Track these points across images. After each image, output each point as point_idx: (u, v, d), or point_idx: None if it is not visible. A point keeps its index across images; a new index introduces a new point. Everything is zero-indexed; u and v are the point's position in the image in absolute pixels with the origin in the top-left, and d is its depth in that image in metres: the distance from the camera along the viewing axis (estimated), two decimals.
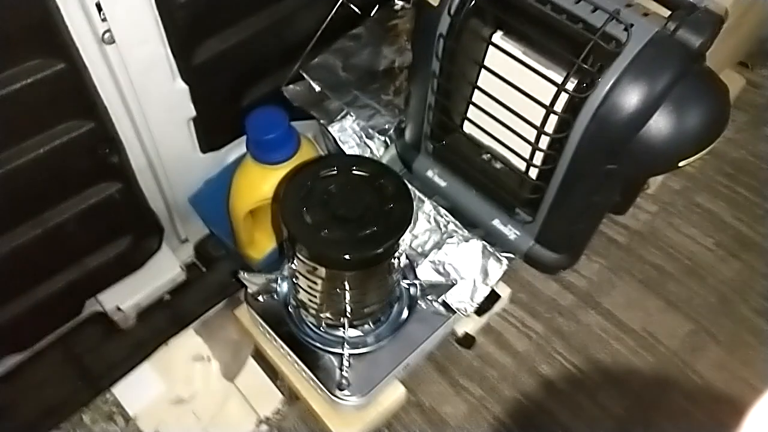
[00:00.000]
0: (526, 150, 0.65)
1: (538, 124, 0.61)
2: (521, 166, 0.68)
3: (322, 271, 0.59)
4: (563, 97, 0.57)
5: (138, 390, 0.76)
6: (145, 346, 0.82)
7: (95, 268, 0.86)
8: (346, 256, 0.56)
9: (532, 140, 0.63)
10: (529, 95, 0.60)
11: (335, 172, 0.60)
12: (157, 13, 0.64)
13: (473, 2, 0.60)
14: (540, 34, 0.59)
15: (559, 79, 0.57)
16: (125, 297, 0.96)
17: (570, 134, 0.58)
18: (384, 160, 0.81)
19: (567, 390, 0.76)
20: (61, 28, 0.59)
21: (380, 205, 0.58)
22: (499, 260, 0.71)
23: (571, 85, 0.56)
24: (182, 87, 0.74)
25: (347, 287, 0.61)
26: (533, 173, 0.67)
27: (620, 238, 0.90)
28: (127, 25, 0.63)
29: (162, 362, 0.78)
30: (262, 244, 0.86)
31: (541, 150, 0.63)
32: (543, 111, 0.59)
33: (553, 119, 0.59)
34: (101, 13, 0.60)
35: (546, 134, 0.60)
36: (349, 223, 0.57)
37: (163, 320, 1.00)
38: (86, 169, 0.75)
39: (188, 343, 0.79)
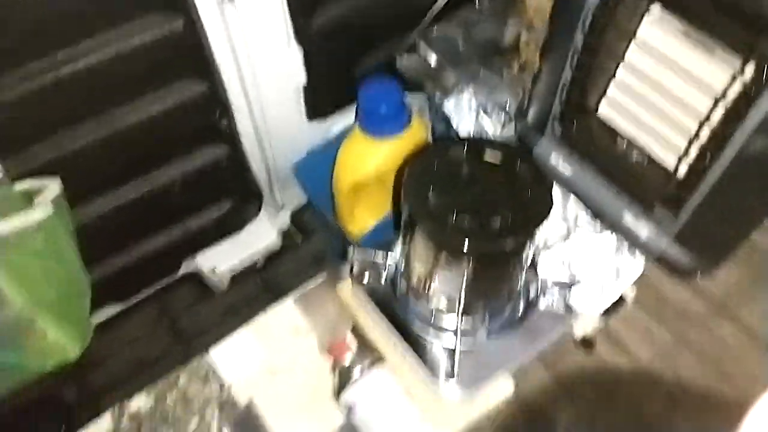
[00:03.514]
0: (678, 141, 0.57)
1: (700, 111, 0.53)
2: (669, 159, 0.60)
3: (442, 259, 0.54)
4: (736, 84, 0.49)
5: (234, 357, 0.74)
6: (237, 311, 0.81)
7: (196, 228, 0.86)
8: (473, 247, 0.51)
9: (690, 130, 0.54)
10: (693, 79, 0.51)
11: (466, 154, 0.54)
12: None
13: None
14: (707, 9, 0.50)
15: (731, 64, 0.48)
16: (221, 260, 0.96)
17: (741, 127, 0.50)
18: None
19: (693, 405, 0.69)
20: None
21: (515, 193, 0.52)
22: (635, 259, 0.64)
23: (749, 70, 0.48)
24: (296, 52, 0.71)
25: (467, 277, 0.56)
26: (683, 168, 0.59)
27: (764, 243, 0.80)
28: None
29: (260, 331, 0.76)
30: (363, 220, 0.83)
31: (699, 144, 0.55)
32: (705, 98, 0.51)
33: (719, 109, 0.51)
34: None
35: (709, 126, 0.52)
36: (478, 211, 0.51)
37: (256, 287, 0.99)
38: (196, 131, 0.74)
39: (287, 314, 0.77)
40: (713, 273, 0.76)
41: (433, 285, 0.60)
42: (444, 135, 0.77)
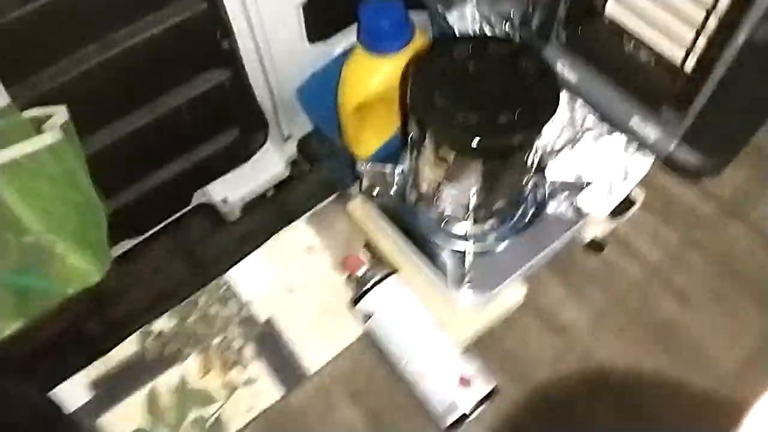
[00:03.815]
0: (685, 33, 0.56)
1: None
2: (677, 53, 0.59)
3: (450, 160, 0.55)
4: None
5: (251, 277, 0.76)
6: (252, 239, 0.82)
7: (204, 158, 0.86)
8: (482, 143, 0.51)
9: (697, 21, 0.54)
10: None
11: (470, 52, 0.54)
12: None
13: None
14: None
15: None
16: (231, 190, 0.97)
17: (748, 14, 0.49)
18: None
19: (704, 305, 0.70)
20: None
21: (521, 88, 0.52)
22: (643, 157, 0.64)
23: None
24: None
25: (477, 179, 0.56)
26: (691, 62, 0.59)
27: None
28: None
29: (274, 252, 0.77)
30: (369, 142, 0.82)
31: (707, 34, 0.54)
32: None
33: None
34: None
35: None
36: (486, 107, 0.51)
37: (268, 214, 1.00)
38: (198, 54, 0.74)
39: (299, 234, 0.78)
40: (721, 173, 0.76)
41: (442, 191, 0.60)
42: None
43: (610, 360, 0.68)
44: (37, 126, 0.61)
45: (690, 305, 0.70)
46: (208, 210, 0.99)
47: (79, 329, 0.80)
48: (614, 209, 0.65)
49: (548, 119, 0.52)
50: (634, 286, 0.72)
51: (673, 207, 0.76)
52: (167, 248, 0.95)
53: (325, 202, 0.80)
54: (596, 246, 0.71)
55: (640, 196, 0.72)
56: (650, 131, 0.68)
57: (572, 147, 0.66)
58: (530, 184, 0.64)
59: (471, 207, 0.61)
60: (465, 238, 0.63)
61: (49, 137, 0.58)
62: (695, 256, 0.73)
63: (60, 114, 0.62)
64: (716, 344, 0.68)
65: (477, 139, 0.50)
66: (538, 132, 0.53)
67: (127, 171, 0.80)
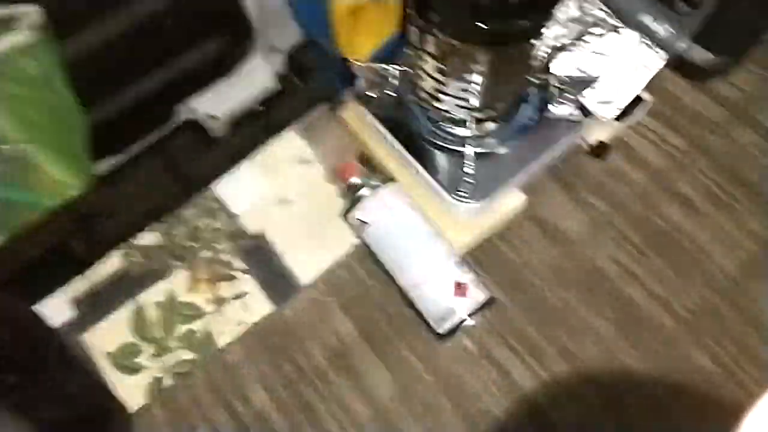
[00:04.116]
0: None
1: None
2: None
3: (454, 52, 0.51)
4: None
5: (240, 189, 0.73)
6: (241, 155, 0.78)
7: (188, 68, 0.81)
8: (487, 27, 0.47)
9: None
10: None
11: None
12: None
13: None
14: None
15: None
16: (217, 105, 0.92)
17: None
18: None
19: (708, 212, 0.68)
20: None
21: None
22: (656, 54, 0.60)
23: None
24: None
25: (480, 73, 0.52)
26: None
27: None
28: None
29: (264, 163, 0.74)
30: (363, 46, 0.77)
31: None
32: None
33: None
34: None
35: None
36: None
37: (258, 129, 0.96)
38: None
39: (290, 144, 0.74)
40: (730, 74, 0.73)
41: (442, 89, 0.56)
42: None
43: (609, 266, 0.66)
44: (10, 25, 0.57)
45: (693, 212, 0.68)
46: (195, 127, 0.95)
47: (65, 248, 0.77)
48: (622, 110, 0.61)
49: (558, 1, 0.48)
50: (637, 193, 0.69)
51: (680, 112, 0.73)
52: (154, 166, 0.91)
53: (317, 112, 0.76)
54: (601, 150, 0.68)
55: (650, 98, 0.69)
56: (660, 28, 0.64)
57: (580, 43, 0.61)
58: (535, 81, 0.60)
59: (473, 105, 0.57)
60: (465, 140, 0.59)
61: (24, 36, 0.54)
62: (701, 162, 0.70)
63: (34, 13, 0.58)
64: (717, 251, 0.66)
65: (480, 23, 0.46)
66: (549, 15, 0.48)
67: (105, 81, 0.75)
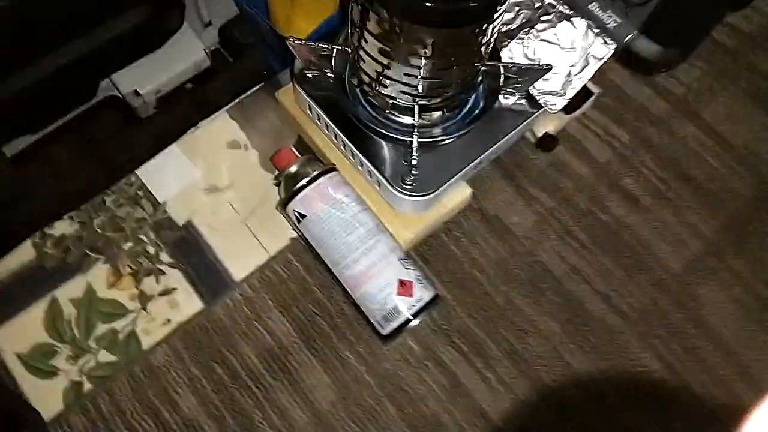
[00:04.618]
0: None
1: None
2: None
3: (400, 38, 0.47)
4: None
5: (167, 175, 0.67)
6: (169, 136, 0.72)
7: (109, 40, 0.74)
8: (434, 5, 0.43)
9: None
10: None
11: None
12: None
13: None
14: None
15: None
16: (143, 81, 0.86)
17: None
18: None
19: (651, 206, 0.67)
20: None
21: None
22: (605, 44, 0.58)
23: None
24: None
25: (426, 57, 0.49)
26: None
27: (727, 41, 0.76)
28: None
29: (193, 147, 0.68)
30: (301, 24, 0.73)
31: None
32: None
33: None
34: None
35: None
36: None
37: (187, 109, 0.90)
38: None
39: (222, 128, 0.69)
40: (676, 69, 0.72)
41: (387, 73, 0.53)
42: None
43: (554, 263, 0.65)
44: None
45: (638, 207, 0.67)
46: (119, 104, 0.88)
47: None
48: (570, 101, 0.59)
49: None
50: (582, 187, 0.68)
51: (625, 105, 0.72)
52: (71, 147, 0.85)
53: (250, 92, 0.71)
54: (548, 143, 0.66)
55: (596, 89, 0.67)
56: (608, 18, 0.63)
57: (530, 30, 0.59)
58: (483, 69, 0.57)
59: (418, 92, 0.54)
60: (410, 129, 0.56)
61: None
62: (645, 156, 0.70)
63: None
64: (661, 247, 0.66)
65: (429, 2, 0.43)
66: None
67: (13, 51, 0.68)
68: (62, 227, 0.65)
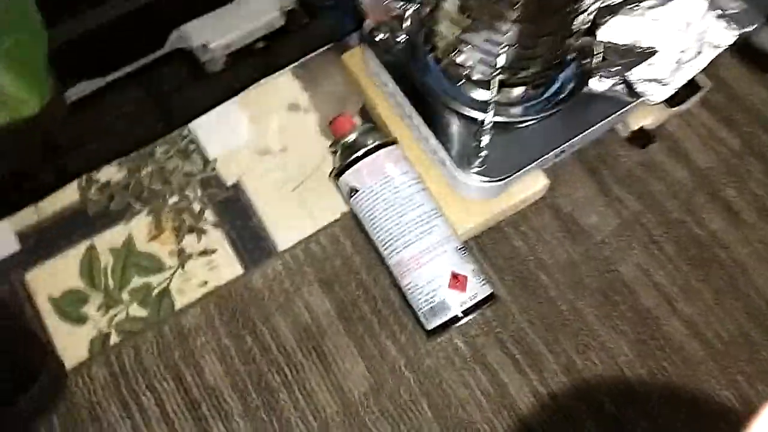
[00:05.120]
0: None
1: None
2: None
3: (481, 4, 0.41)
4: None
5: (221, 131, 0.63)
6: (231, 91, 0.68)
7: None
8: None
9: None
10: None
11: None
12: None
13: None
14: None
15: None
16: (214, 35, 0.83)
17: None
18: None
19: (755, 224, 0.58)
20: None
21: None
22: (728, 28, 0.50)
23: None
24: None
25: (511, 28, 0.42)
26: None
27: None
28: None
29: (252, 105, 0.64)
30: None
31: None
32: None
33: None
34: None
35: None
36: None
37: (256, 68, 0.86)
38: None
39: (284, 87, 0.65)
40: None
41: (464, 42, 0.47)
42: None
43: (633, 275, 0.57)
44: None
45: (739, 223, 0.58)
46: (187, 58, 0.85)
47: (25, 176, 0.68)
48: (674, 94, 0.51)
49: None
50: (676, 193, 0.60)
51: (736, 106, 0.63)
52: (135, 95, 0.82)
53: (318, 52, 0.66)
54: (643, 138, 0.58)
55: (707, 83, 0.59)
56: (733, 2, 0.54)
57: (636, 5, 0.51)
58: (576, 45, 0.50)
59: (499, 65, 0.47)
60: (485, 105, 0.50)
61: None
62: (755, 166, 0.60)
63: None
64: (762, 272, 0.57)
65: None
66: None
67: None
68: (109, 173, 0.63)
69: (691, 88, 0.55)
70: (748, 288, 0.56)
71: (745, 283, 0.57)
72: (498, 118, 0.50)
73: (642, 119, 0.58)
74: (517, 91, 0.52)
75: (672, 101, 0.53)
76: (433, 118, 0.53)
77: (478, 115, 0.51)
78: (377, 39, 0.55)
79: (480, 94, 0.52)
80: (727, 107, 0.63)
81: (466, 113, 0.51)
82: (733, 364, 0.54)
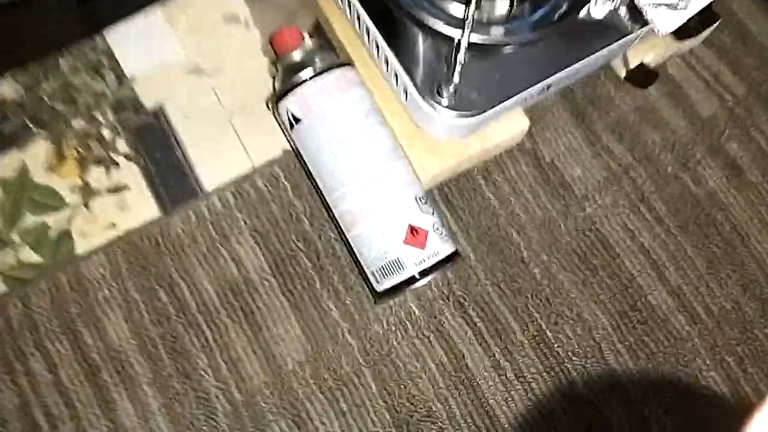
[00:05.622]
0: None
1: None
2: None
3: None
4: None
5: (142, 44, 0.52)
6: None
7: None
8: None
9: None
10: None
11: None
12: None
13: None
14: None
15: None
16: None
17: None
18: None
19: (758, 184, 0.51)
20: None
21: None
22: None
23: None
24: None
25: None
26: None
27: None
28: None
29: (180, 14, 0.53)
30: None
31: None
32: None
33: None
34: None
35: None
36: None
37: None
38: None
39: None
40: None
41: None
42: None
43: (617, 236, 0.49)
44: None
45: (741, 182, 0.51)
46: None
47: None
48: (689, 23, 0.43)
49: None
50: (673, 144, 0.52)
51: (747, 48, 0.55)
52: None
53: None
54: (643, 77, 0.49)
55: (717, 17, 0.50)
56: None
57: None
58: None
59: None
60: (461, 23, 0.40)
61: None
62: (763, 118, 0.53)
63: None
64: (763, 240, 0.50)
65: None
66: None
67: None
68: (3, 88, 0.51)
69: (705, 17, 0.46)
70: (746, 257, 0.49)
71: (744, 251, 0.50)
72: (475, 38, 0.40)
73: (644, 55, 0.49)
74: (502, 6, 0.42)
75: (681, 33, 0.45)
76: (397, 34, 0.43)
77: (452, 32, 0.41)
78: None
79: (456, 8, 0.42)
80: (736, 49, 0.55)
81: (437, 29, 0.42)
82: (722, 342, 0.48)
